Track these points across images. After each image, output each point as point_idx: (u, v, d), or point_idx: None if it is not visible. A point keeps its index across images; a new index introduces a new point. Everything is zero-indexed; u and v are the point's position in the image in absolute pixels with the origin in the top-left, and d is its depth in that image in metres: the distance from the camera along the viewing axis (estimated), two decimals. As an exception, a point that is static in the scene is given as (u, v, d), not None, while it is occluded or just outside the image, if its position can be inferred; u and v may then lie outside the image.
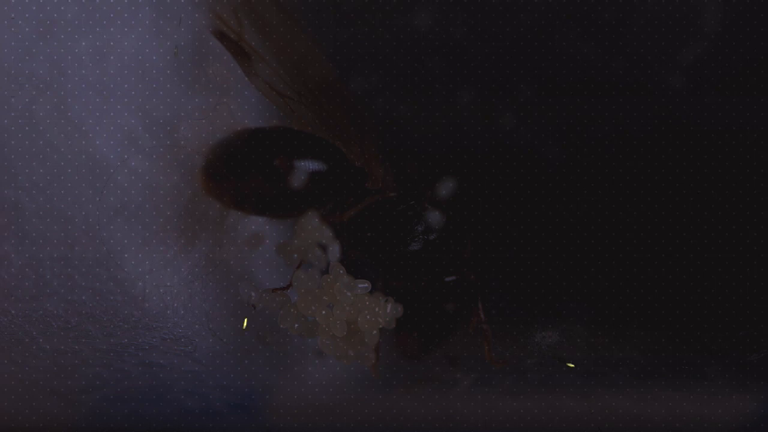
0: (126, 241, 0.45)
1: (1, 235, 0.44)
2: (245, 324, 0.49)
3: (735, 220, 0.52)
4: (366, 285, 0.46)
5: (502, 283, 0.52)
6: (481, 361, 0.49)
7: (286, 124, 0.48)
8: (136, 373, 0.49)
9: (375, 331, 0.47)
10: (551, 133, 0.52)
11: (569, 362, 0.51)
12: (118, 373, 0.49)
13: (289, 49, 0.47)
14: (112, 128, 0.44)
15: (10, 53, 0.42)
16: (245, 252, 0.50)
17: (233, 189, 0.46)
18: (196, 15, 0.46)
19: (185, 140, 0.46)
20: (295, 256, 0.47)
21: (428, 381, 0.51)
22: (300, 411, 0.51)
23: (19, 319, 0.46)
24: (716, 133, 0.51)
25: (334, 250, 0.47)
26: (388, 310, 0.47)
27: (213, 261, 0.49)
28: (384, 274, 0.49)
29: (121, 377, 0.49)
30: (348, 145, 0.47)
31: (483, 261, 0.50)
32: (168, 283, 0.47)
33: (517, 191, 0.52)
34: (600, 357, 0.52)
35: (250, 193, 0.46)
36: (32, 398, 0.49)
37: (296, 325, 0.47)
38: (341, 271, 0.47)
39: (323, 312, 0.47)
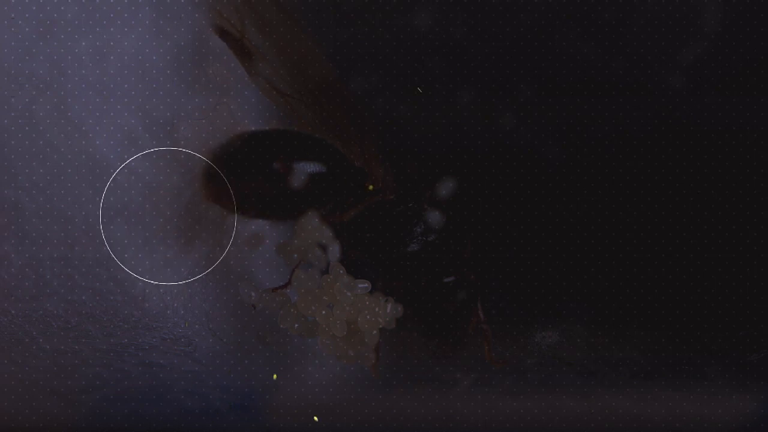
0: (126, 241, 0.45)
1: (1, 235, 0.44)
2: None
3: (735, 220, 0.52)
4: (366, 285, 0.46)
5: (502, 283, 0.52)
6: (481, 361, 0.49)
7: (285, 125, 0.48)
8: (136, 373, 0.49)
9: (375, 331, 0.47)
10: (551, 133, 0.52)
11: (569, 362, 0.51)
12: (118, 373, 0.49)
13: (290, 49, 0.47)
14: (112, 128, 0.44)
15: (10, 53, 0.42)
16: (245, 252, 0.50)
17: (234, 193, 0.46)
18: (196, 15, 0.46)
19: (185, 140, 0.46)
20: (295, 256, 0.47)
21: (428, 381, 0.51)
22: (300, 411, 0.51)
23: (19, 319, 0.46)
24: (716, 133, 0.51)
25: (334, 250, 0.47)
26: (388, 310, 0.47)
27: (213, 261, 0.49)
28: (384, 274, 0.49)
29: (121, 377, 0.49)
30: (348, 145, 0.47)
31: (483, 261, 0.50)
32: (168, 283, 0.47)
33: (517, 191, 0.52)
34: (600, 357, 0.52)
35: (250, 196, 0.46)
36: (32, 398, 0.49)
37: (296, 325, 0.47)
38: (341, 271, 0.47)
39: (323, 312, 0.47)
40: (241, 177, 0.46)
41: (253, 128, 0.48)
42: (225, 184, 0.46)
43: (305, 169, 0.46)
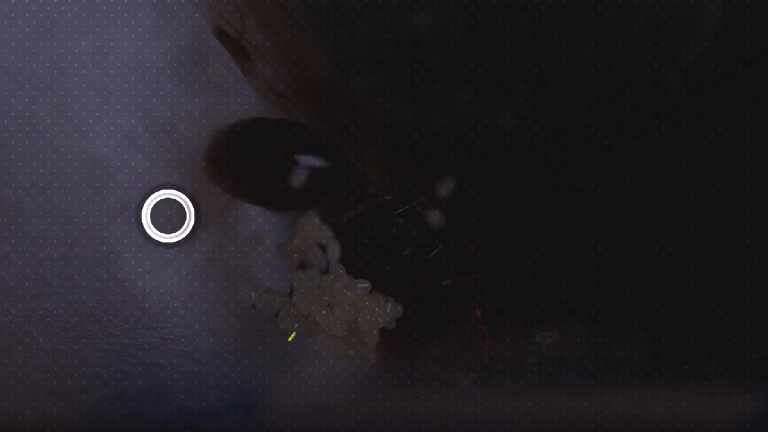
0: (126, 241, 0.45)
1: (1, 235, 0.44)
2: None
3: (735, 220, 0.52)
4: (366, 285, 0.46)
5: (502, 283, 0.52)
6: (481, 361, 0.49)
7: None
8: (136, 373, 0.49)
9: (375, 331, 0.47)
10: (551, 133, 0.52)
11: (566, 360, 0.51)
12: (118, 373, 0.49)
13: (290, 49, 0.47)
14: (112, 128, 0.44)
15: (10, 53, 0.42)
16: (245, 252, 0.50)
17: (234, 174, 0.46)
18: (196, 15, 0.46)
19: (185, 140, 0.46)
20: (295, 256, 0.47)
21: (428, 381, 0.51)
22: (300, 411, 0.51)
23: (19, 319, 0.46)
24: (716, 133, 0.51)
25: (334, 250, 0.47)
26: (388, 310, 0.47)
27: (213, 261, 0.49)
28: (384, 274, 0.49)
29: (121, 377, 0.49)
30: (348, 145, 0.47)
31: (483, 261, 0.50)
32: (168, 283, 0.47)
33: (517, 191, 0.52)
34: (600, 357, 0.52)
35: (249, 182, 0.46)
36: (32, 398, 0.49)
37: (296, 325, 0.47)
38: (341, 271, 0.47)
39: (323, 312, 0.47)
40: (242, 162, 0.46)
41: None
42: (227, 163, 0.46)
43: (307, 162, 0.46)
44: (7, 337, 0.47)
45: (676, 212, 0.52)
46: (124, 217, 0.45)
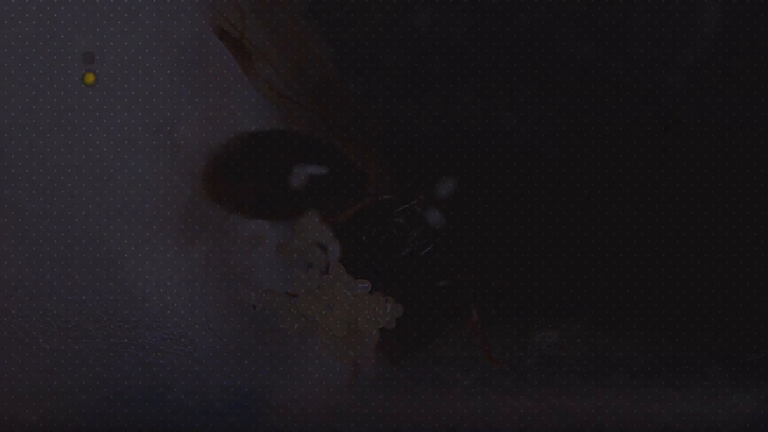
0: (126, 241, 0.45)
1: (1, 235, 0.44)
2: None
3: (735, 220, 0.52)
4: (366, 285, 0.46)
5: (502, 283, 0.52)
6: (481, 361, 0.49)
7: (285, 125, 0.48)
8: (136, 373, 0.49)
9: (375, 331, 0.47)
10: (551, 133, 0.52)
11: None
12: (118, 373, 0.49)
13: (290, 49, 0.47)
14: (112, 128, 0.44)
15: (10, 53, 0.42)
16: (245, 252, 0.50)
17: (233, 192, 0.46)
18: (196, 15, 0.46)
19: (185, 140, 0.46)
20: (295, 256, 0.47)
21: (428, 381, 0.51)
22: (300, 411, 0.51)
23: (19, 319, 0.46)
24: (716, 133, 0.51)
25: (334, 250, 0.47)
26: (388, 310, 0.47)
27: (213, 261, 0.49)
28: (384, 274, 0.49)
29: (121, 377, 0.49)
30: (348, 145, 0.47)
31: (483, 261, 0.50)
32: (168, 283, 0.47)
33: (517, 191, 0.52)
34: (600, 357, 0.52)
35: (250, 196, 0.46)
36: (32, 398, 0.49)
37: (296, 325, 0.47)
38: (341, 271, 0.47)
39: (323, 312, 0.47)
40: (240, 177, 0.46)
41: (253, 128, 0.48)
42: (224, 183, 0.46)
43: (306, 171, 0.46)
44: (7, 337, 0.47)
45: (676, 212, 0.52)
46: (124, 217, 0.45)
